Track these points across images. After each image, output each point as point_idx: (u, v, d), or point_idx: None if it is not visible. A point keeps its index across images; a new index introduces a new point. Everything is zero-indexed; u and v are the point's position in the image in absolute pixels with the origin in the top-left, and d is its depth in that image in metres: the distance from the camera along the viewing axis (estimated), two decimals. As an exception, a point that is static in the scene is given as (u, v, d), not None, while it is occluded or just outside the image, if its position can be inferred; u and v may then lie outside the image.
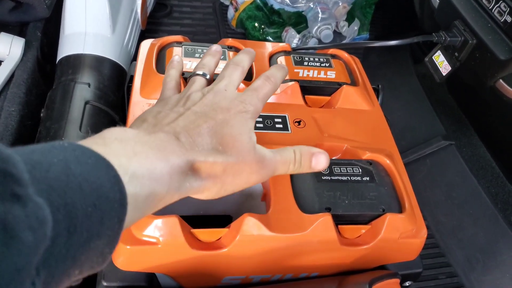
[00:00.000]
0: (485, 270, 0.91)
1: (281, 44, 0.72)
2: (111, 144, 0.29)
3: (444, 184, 1.02)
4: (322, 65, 0.67)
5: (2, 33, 0.86)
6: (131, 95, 0.58)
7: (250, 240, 0.45)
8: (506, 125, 0.93)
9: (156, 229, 0.44)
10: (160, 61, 0.63)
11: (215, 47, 0.48)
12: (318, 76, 0.65)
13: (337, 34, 1.33)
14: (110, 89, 0.85)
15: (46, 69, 0.93)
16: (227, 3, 1.38)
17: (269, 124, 0.58)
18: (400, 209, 0.51)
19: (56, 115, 0.76)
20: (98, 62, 0.86)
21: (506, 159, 0.97)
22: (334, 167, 0.52)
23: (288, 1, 1.26)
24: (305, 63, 0.67)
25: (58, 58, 0.88)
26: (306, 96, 0.64)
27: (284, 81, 0.63)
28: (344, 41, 1.34)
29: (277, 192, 0.49)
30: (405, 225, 0.49)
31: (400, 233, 0.49)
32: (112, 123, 0.80)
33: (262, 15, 1.29)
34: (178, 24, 1.35)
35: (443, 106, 1.12)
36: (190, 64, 0.61)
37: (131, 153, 0.29)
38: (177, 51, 0.64)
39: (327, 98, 0.65)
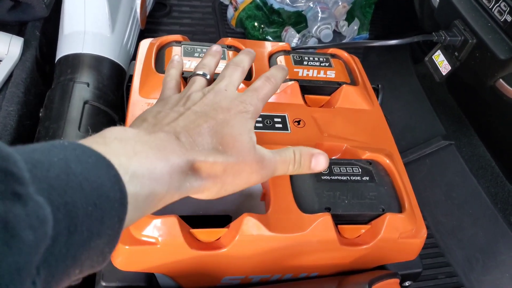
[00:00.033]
0: (485, 270, 0.91)
1: (280, 43, 0.72)
2: (111, 144, 0.29)
3: (444, 184, 1.02)
4: (321, 64, 0.67)
5: (1, 32, 0.85)
6: (130, 94, 0.58)
7: (249, 240, 0.45)
8: (506, 125, 0.93)
9: (155, 229, 0.44)
10: (159, 61, 0.63)
11: (215, 48, 0.48)
12: (318, 75, 0.65)
13: (336, 33, 1.33)
14: (109, 89, 0.85)
15: (45, 69, 0.93)
16: (226, 2, 1.38)
17: (269, 123, 0.57)
18: (400, 209, 0.50)
19: (55, 115, 0.76)
20: (97, 61, 0.86)
21: (506, 159, 0.97)
22: (333, 167, 0.52)
23: (288, 1, 1.26)
24: (305, 63, 0.67)
25: (57, 57, 0.88)
26: (305, 96, 0.64)
27: (284, 81, 0.63)
28: (344, 41, 1.34)
29: (277, 192, 0.49)
30: (405, 225, 0.49)
31: (400, 233, 0.49)
32: (111, 122, 0.80)
33: (262, 15, 1.28)
34: (177, 24, 1.35)
35: (443, 106, 1.12)
36: (189, 64, 0.61)
37: (131, 153, 0.29)
38: (176, 51, 0.64)
39: (327, 97, 0.65)
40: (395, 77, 1.27)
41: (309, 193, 0.50)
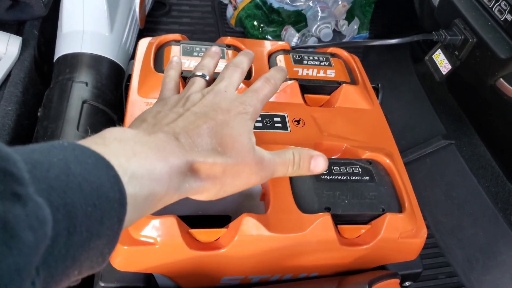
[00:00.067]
0: (485, 270, 0.91)
1: (280, 42, 0.72)
2: (110, 144, 0.29)
3: (444, 183, 1.02)
4: (321, 64, 0.67)
5: (-1, 31, 0.85)
6: (128, 94, 0.58)
7: (249, 240, 0.45)
8: (506, 124, 0.93)
9: (154, 229, 0.43)
10: (158, 60, 0.63)
11: (214, 48, 0.48)
12: (318, 75, 0.65)
13: (336, 33, 1.33)
14: (108, 88, 0.84)
15: (43, 68, 0.92)
16: (226, 1, 1.38)
17: (268, 123, 0.57)
18: (400, 209, 0.50)
19: (53, 115, 0.76)
20: (96, 61, 0.86)
21: (506, 158, 0.97)
22: (333, 167, 0.52)
23: (288, 0, 1.26)
24: (305, 62, 0.66)
25: (56, 57, 0.88)
26: (305, 95, 0.64)
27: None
28: (343, 40, 1.34)
29: (276, 192, 0.49)
30: (405, 225, 0.49)
31: (400, 233, 0.49)
32: (110, 122, 0.80)
33: (261, 14, 1.28)
34: (176, 23, 1.35)
35: (443, 105, 1.12)
36: (188, 63, 0.61)
37: (130, 153, 0.29)
38: (175, 50, 0.63)
39: (327, 97, 0.65)
40: (395, 76, 1.27)
41: (308, 193, 0.49)
